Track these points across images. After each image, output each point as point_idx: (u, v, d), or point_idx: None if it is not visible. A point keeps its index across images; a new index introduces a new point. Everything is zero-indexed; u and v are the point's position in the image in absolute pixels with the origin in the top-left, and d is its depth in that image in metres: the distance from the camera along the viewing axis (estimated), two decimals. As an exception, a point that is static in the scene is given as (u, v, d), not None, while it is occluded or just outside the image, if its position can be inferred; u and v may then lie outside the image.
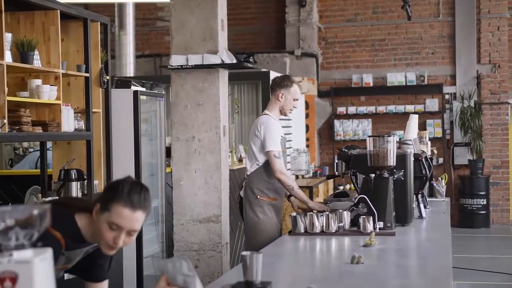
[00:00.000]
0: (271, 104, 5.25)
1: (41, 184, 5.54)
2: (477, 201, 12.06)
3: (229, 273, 3.11)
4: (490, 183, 12.28)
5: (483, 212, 12.11)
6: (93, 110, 5.70)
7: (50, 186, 5.55)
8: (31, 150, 8.08)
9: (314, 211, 4.64)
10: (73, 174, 5.39)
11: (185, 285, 2.32)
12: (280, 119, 5.30)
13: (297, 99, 5.25)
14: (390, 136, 4.31)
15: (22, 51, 4.77)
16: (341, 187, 10.96)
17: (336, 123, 12.77)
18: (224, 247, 5.68)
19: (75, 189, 5.37)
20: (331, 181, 10.98)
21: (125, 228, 2.53)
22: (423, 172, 4.89)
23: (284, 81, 5.21)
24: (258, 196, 5.10)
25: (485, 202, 12.09)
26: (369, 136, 4.35)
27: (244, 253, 2.66)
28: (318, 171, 10.78)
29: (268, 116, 5.17)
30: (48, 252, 1.74)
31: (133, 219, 2.53)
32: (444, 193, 6.24)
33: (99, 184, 5.83)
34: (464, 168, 12.49)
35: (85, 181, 5.55)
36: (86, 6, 12.70)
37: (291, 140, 10.18)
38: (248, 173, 5.21)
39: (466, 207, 12.13)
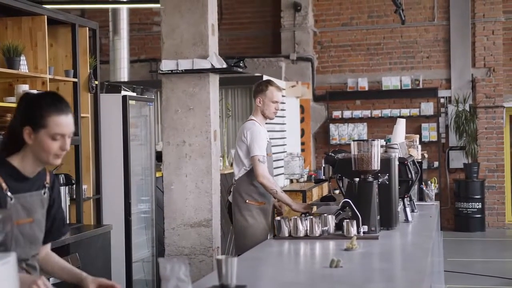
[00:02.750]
0: (254, 109, 5.39)
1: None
2: (472, 204, 12.07)
3: (206, 278, 3.12)
4: (485, 187, 12.29)
5: (479, 215, 12.11)
6: (82, 115, 5.72)
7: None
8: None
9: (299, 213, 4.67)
10: (62, 178, 5.40)
11: (176, 290, 2.33)
12: (272, 123, 5.36)
13: (276, 101, 5.30)
14: (374, 140, 4.32)
15: (9, 57, 4.79)
16: (337, 191, 10.95)
17: (332, 127, 12.78)
18: (215, 251, 5.68)
19: (63, 194, 5.38)
20: (325, 185, 10.99)
21: (66, 134, 2.67)
22: (409, 176, 4.89)
23: (260, 86, 5.33)
24: (247, 201, 5.18)
25: (480, 206, 12.09)
26: (354, 140, 4.36)
27: (218, 257, 2.68)
28: (313, 175, 10.78)
29: (253, 121, 5.26)
30: (11, 257, 1.76)
31: (70, 123, 2.68)
32: (434, 197, 6.23)
33: (87, 189, 5.85)
34: (459, 172, 12.50)
35: (74, 185, 5.56)
36: (82, 11, 12.78)
37: (285, 145, 10.20)
38: (236, 178, 5.30)
39: (462, 211, 12.13)
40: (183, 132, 5.60)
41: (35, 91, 2.76)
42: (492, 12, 12.42)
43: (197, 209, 5.58)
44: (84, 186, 5.76)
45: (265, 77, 9.02)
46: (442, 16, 12.63)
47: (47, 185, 2.80)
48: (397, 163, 4.59)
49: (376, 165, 4.28)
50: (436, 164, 12.40)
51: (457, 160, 12.43)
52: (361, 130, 12.70)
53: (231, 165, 8.57)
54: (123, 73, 11.02)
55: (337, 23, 13.01)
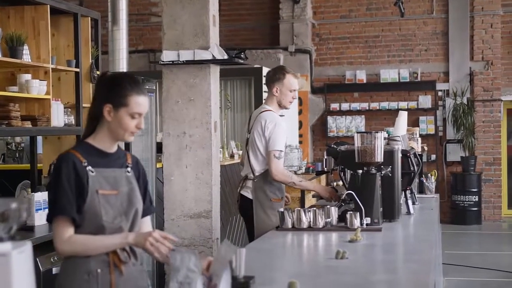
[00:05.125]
0: (269, 98, 5.16)
1: (31, 179, 5.55)
2: (469, 197, 12.11)
3: (213, 268, 3.12)
4: (482, 180, 12.32)
5: (475, 208, 12.15)
6: (84, 105, 5.71)
7: (40, 181, 5.55)
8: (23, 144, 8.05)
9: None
10: (63, 169, 5.38)
11: (187, 280, 2.33)
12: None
13: (293, 90, 5.05)
14: (377, 132, 4.32)
15: (11, 46, 4.77)
16: (334, 183, 10.97)
17: (330, 119, 12.80)
18: (214, 242, 5.69)
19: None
20: (323, 177, 11.01)
21: (143, 113, 2.83)
22: (411, 168, 4.90)
23: (276, 74, 5.07)
24: (272, 199, 5.00)
25: (477, 199, 12.14)
26: (357, 132, 4.36)
27: (227, 247, 2.68)
28: (311, 167, 10.80)
29: (272, 112, 5.03)
30: (27, 246, 1.76)
31: (147, 104, 2.86)
32: (434, 190, 6.25)
33: (89, 179, 5.83)
34: (456, 165, 12.53)
35: (75, 176, 5.55)
36: (80, 1, 12.73)
37: (284, 136, 10.19)
38: (256, 174, 5.05)
39: (458, 204, 12.17)
40: (184, 123, 5.59)
41: (110, 72, 2.87)
42: (491, 5, 12.43)
43: (197, 200, 5.58)
44: (85, 176, 5.75)
45: (265, 69, 9.02)
46: (440, 9, 12.64)
47: (129, 165, 2.92)
48: (400, 155, 4.60)
49: (379, 157, 4.28)
50: (433, 157, 12.43)
51: (454, 153, 12.47)
52: (359, 122, 12.71)
53: (231, 156, 8.57)
54: (122, 64, 10.93)
55: (335, 15, 13.00)
